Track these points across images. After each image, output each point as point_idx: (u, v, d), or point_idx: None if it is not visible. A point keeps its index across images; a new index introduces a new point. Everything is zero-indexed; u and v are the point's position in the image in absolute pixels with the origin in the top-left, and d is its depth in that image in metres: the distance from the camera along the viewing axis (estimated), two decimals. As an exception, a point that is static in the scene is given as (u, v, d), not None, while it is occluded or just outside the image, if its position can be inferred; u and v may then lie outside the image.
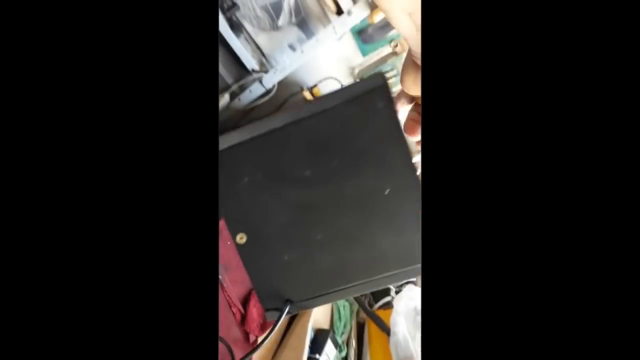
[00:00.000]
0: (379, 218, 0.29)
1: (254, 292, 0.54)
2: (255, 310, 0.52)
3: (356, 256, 0.30)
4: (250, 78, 0.70)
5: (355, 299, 0.70)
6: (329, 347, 0.59)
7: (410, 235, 0.29)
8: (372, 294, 0.84)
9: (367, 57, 0.91)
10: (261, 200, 0.31)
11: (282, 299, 0.31)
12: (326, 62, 0.83)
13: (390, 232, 0.29)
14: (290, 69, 0.70)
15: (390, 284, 0.30)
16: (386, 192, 0.29)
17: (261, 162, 0.31)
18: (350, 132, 0.30)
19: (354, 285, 0.30)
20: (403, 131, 0.29)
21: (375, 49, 0.89)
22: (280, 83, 0.72)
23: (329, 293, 0.30)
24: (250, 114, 0.76)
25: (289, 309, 0.31)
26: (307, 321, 0.58)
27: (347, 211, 0.30)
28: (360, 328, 0.75)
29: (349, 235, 0.30)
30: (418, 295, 0.68)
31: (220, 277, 0.50)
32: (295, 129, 0.32)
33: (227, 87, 0.71)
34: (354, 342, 0.69)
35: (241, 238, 0.31)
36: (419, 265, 0.29)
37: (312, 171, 0.31)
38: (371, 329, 0.74)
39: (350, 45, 0.89)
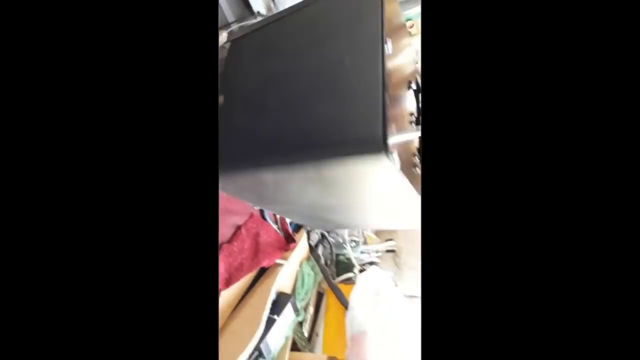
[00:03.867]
0: (329, 88, 0.30)
1: (223, 247, 0.53)
2: (222, 265, 0.52)
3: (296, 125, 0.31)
4: (253, 21, 0.65)
5: (321, 270, 0.71)
6: (287, 310, 0.60)
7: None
8: (336, 267, 0.86)
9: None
10: (250, 71, 0.35)
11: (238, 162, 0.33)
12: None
13: (336, 103, 0.29)
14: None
15: (322, 158, 0.28)
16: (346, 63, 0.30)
17: (261, 42, 0.37)
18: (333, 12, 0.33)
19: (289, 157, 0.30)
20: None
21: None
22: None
23: (265, 163, 0.31)
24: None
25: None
26: (271, 283, 0.58)
27: (302, 81, 0.32)
28: (319, 298, 0.77)
29: (295, 103, 0.31)
30: (381, 277, 0.71)
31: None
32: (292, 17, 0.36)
33: (227, 25, 0.66)
34: (311, 309, 0.71)
35: (221, 100, 0.37)
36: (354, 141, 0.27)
37: (295, 43, 0.34)
38: (330, 300, 0.77)
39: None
